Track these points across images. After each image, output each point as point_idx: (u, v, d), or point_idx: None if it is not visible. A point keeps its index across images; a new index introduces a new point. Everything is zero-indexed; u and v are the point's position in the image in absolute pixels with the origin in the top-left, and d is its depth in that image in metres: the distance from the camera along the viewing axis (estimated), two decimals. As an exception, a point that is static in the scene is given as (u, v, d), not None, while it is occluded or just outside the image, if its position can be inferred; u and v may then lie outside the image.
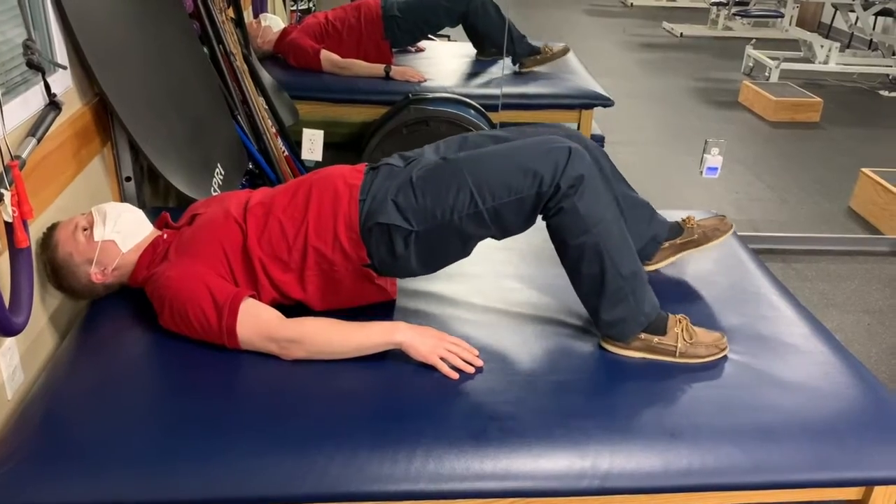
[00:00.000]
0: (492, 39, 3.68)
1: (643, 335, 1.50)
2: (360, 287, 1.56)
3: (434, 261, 1.56)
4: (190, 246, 1.54)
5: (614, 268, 1.45)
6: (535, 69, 3.73)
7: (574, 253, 1.45)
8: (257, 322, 1.43)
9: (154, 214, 1.77)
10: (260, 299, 1.50)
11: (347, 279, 1.54)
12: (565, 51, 3.70)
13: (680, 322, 1.51)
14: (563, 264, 1.51)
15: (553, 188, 1.40)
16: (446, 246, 1.52)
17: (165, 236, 1.62)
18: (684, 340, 1.49)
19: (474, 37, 3.79)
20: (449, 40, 4.15)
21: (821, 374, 1.48)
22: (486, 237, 1.51)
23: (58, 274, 1.55)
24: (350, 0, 3.82)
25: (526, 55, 3.66)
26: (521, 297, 1.73)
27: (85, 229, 1.56)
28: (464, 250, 1.55)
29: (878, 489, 1.35)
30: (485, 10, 3.60)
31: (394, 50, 3.77)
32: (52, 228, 1.56)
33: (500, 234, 1.50)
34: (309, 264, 1.52)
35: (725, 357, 1.52)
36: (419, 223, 1.47)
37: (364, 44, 3.64)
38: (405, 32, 3.67)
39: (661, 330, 1.50)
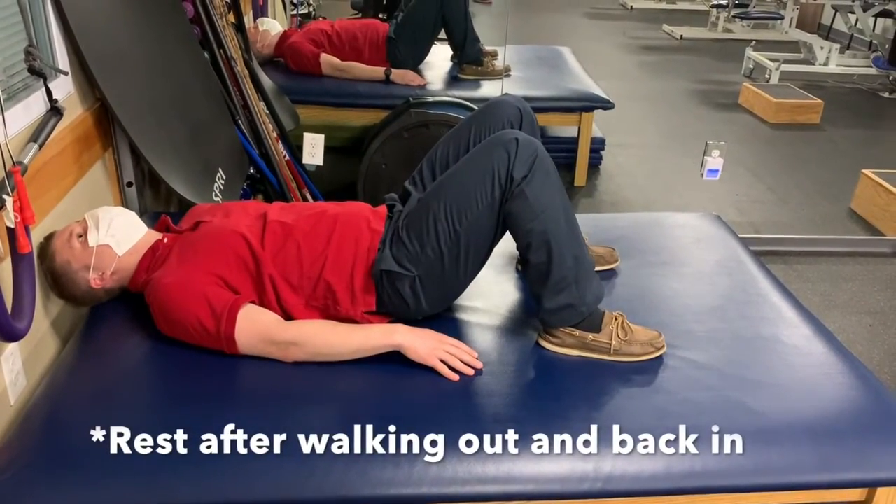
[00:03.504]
0: (449, 32, 3.67)
1: (577, 332, 1.50)
2: None
3: (445, 295, 1.58)
4: (193, 253, 1.54)
5: (560, 256, 1.46)
6: (535, 72, 3.75)
7: (523, 240, 1.47)
8: (256, 327, 1.43)
9: (155, 219, 1.78)
10: None
11: (345, 322, 1.54)
12: (504, 70, 3.69)
13: (616, 319, 1.52)
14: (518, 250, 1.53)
15: (508, 180, 1.43)
16: (448, 277, 1.53)
17: (166, 240, 1.62)
18: (619, 338, 1.49)
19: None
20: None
21: (823, 375, 1.48)
22: (479, 253, 1.52)
23: (58, 282, 1.55)
24: (352, 15, 3.82)
25: (469, 60, 3.67)
26: (521, 299, 1.73)
27: (80, 236, 1.56)
28: (466, 275, 1.55)
29: (880, 490, 1.35)
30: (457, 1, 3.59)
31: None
32: (49, 238, 1.56)
33: (489, 242, 1.52)
34: (317, 295, 1.53)
35: (722, 361, 1.51)
36: (417, 267, 1.50)
37: (365, 62, 3.62)
38: (407, 55, 3.64)
39: (596, 327, 1.50)
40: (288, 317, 1.54)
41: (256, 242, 1.53)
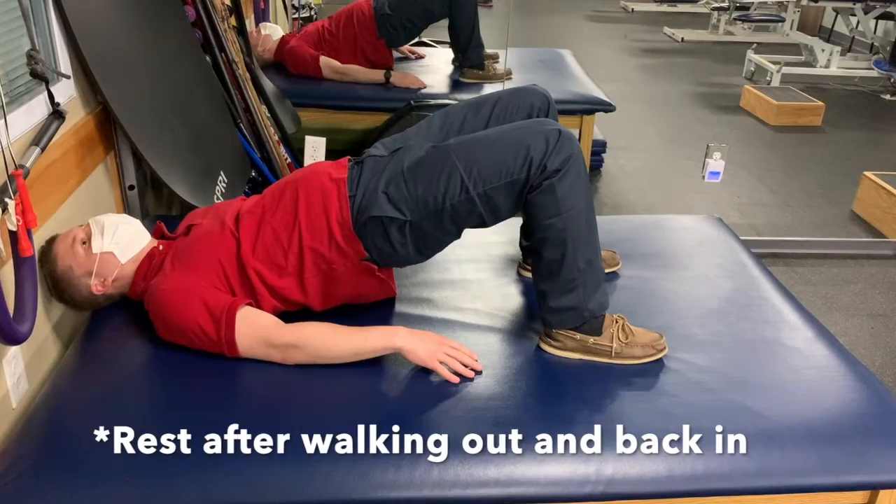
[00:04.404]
0: (455, 34, 3.67)
1: (579, 336, 1.50)
2: (361, 282, 1.57)
3: (430, 247, 1.57)
4: (185, 258, 1.54)
5: (573, 257, 1.45)
6: (536, 75, 3.74)
7: (540, 233, 1.46)
8: (255, 329, 1.43)
9: (154, 224, 1.78)
10: (260, 308, 1.50)
11: (347, 276, 1.54)
12: (506, 74, 3.70)
13: (616, 322, 1.51)
14: (530, 243, 1.52)
15: (540, 169, 1.41)
16: (440, 232, 1.52)
17: (161, 247, 1.62)
18: (619, 341, 1.49)
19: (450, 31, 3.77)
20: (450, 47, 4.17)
21: (825, 378, 1.48)
22: (478, 223, 1.51)
23: (59, 287, 1.55)
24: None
25: (472, 65, 3.68)
26: (523, 301, 1.73)
27: (83, 242, 1.56)
28: (457, 234, 1.55)
29: (882, 493, 1.35)
30: (467, 2, 3.59)
31: (395, 55, 3.78)
32: (51, 242, 1.56)
33: (492, 218, 1.50)
34: (307, 266, 1.52)
35: (723, 364, 1.51)
36: (412, 213, 1.48)
37: (360, 44, 3.65)
38: (399, 30, 3.66)
39: (597, 330, 1.50)
40: (286, 302, 1.54)
41: (238, 239, 1.53)
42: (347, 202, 1.50)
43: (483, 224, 1.51)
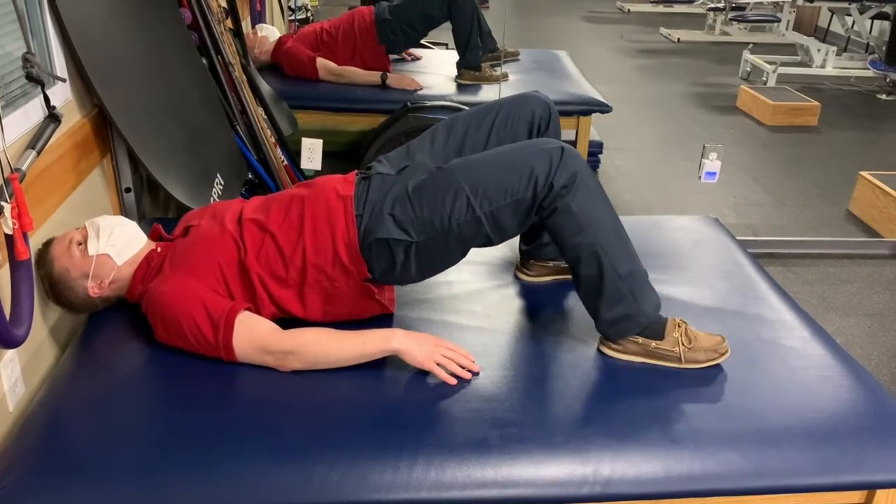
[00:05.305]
0: (457, 34, 3.68)
1: (640, 339, 1.49)
2: (360, 303, 1.57)
3: (434, 268, 1.57)
4: (184, 260, 1.54)
5: (612, 268, 1.45)
6: (532, 76, 3.75)
7: (571, 253, 1.46)
8: (253, 335, 1.43)
9: (150, 226, 1.77)
10: (259, 314, 1.50)
11: (348, 295, 1.54)
12: (503, 76, 3.71)
13: (679, 326, 1.51)
14: (564, 258, 1.52)
15: (547, 187, 1.41)
16: (445, 253, 1.52)
17: (159, 249, 1.62)
18: (683, 345, 1.49)
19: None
20: (447, 48, 4.17)
21: (821, 377, 1.48)
22: (484, 242, 1.51)
23: (55, 289, 1.55)
24: (348, 9, 3.85)
25: (469, 66, 3.69)
26: (520, 303, 1.73)
27: (80, 244, 1.56)
28: (462, 254, 1.55)
29: (879, 493, 1.35)
30: (465, 3, 3.60)
31: (392, 57, 3.78)
32: (48, 244, 1.56)
33: (498, 237, 1.50)
34: (309, 281, 1.52)
35: (720, 364, 1.51)
36: (418, 234, 1.48)
37: (360, 50, 3.65)
38: (399, 35, 3.66)
39: (659, 334, 1.50)
40: (284, 312, 1.54)
41: (241, 244, 1.53)
42: (354, 222, 1.51)
43: (489, 243, 1.52)
